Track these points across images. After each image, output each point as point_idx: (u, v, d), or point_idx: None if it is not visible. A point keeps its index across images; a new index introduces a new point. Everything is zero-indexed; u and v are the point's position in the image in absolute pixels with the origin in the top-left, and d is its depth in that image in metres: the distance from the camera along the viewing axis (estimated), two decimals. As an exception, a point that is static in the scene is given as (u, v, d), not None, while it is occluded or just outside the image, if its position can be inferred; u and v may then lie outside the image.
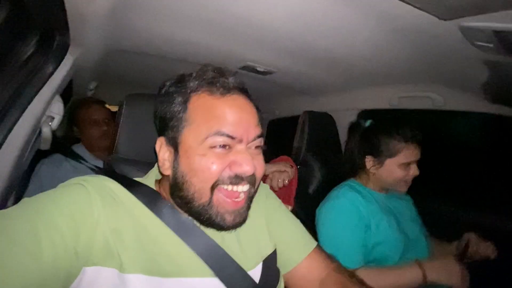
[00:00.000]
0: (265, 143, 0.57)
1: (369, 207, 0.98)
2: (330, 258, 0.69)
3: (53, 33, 0.75)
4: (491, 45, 0.66)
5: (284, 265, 0.65)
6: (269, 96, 2.01)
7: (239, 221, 0.52)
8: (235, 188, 0.50)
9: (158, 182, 0.61)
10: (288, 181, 1.06)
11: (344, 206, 0.98)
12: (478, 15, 0.52)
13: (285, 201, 1.18)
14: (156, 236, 0.51)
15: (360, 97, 1.55)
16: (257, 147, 0.54)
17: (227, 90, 0.52)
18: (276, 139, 2.31)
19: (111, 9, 0.75)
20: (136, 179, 0.59)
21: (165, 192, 0.58)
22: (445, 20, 0.56)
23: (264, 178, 1.08)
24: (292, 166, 1.12)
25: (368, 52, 1.00)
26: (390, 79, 1.30)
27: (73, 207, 0.46)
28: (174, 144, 0.52)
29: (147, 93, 0.84)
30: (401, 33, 0.81)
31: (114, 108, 1.73)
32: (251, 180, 0.52)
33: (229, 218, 0.51)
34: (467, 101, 1.20)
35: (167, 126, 0.54)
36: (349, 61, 1.13)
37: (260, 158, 0.54)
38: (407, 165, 0.97)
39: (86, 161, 1.29)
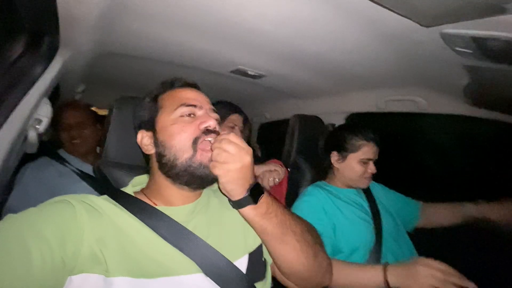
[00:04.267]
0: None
1: (336, 202, 1.08)
2: None
3: (43, 35, 0.74)
4: (470, 51, 0.70)
5: (268, 257, 0.69)
6: (259, 99, 2.03)
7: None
8: (208, 138, 0.61)
9: (142, 190, 0.67)
10: (279, 179, 1.07)
11: (307, 201, 1.08)
12: (457, 22, 0.55)
13: (276, 202, 1.20)
14: (139, 240, 0.54)
15: (348, 100, 1.59)
16: (216, 120, 0.65)
17: (184, 85, 0.69)
18: (267, 143, 2.33)
19: (103, 11, 0.74)
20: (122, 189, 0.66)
21: (148, 193, 0.64)
22: (427, 27, 0.60)
23: (255, 179, 1.09)
24: (281, 166, 1.14)
25: (355, 56, 1.04)
26: (377, 83, 1.34)
27: (59, 220, 0.49)
28: (152, 128, 0.65)
29: (136, 97, 0.84)
30: (387, 39, 0.84)
31: (103, 112, 1.70)
32: (218, 135, 0.61)
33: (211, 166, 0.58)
34: (449, 105, 1.26)
35: (143, 120, 0.67)
36: (338, 65, 1.17)
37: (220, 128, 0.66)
38: (365, 161, 1.09)
39: (72, 165, 1.27)
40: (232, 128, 1.37)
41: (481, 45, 0.64)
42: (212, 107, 0.67)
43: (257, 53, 1.13)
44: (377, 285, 0.80)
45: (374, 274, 0.82)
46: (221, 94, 1.73)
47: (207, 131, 0.61)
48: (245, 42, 1.03)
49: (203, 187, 0.65)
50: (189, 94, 0.66)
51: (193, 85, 0.71)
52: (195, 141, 0.59)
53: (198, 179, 0.60)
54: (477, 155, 1.57)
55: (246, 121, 1.49)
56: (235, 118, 1.38)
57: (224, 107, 1.40)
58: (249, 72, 1.34)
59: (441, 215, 1.18)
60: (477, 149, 1.56)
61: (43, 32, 0.74)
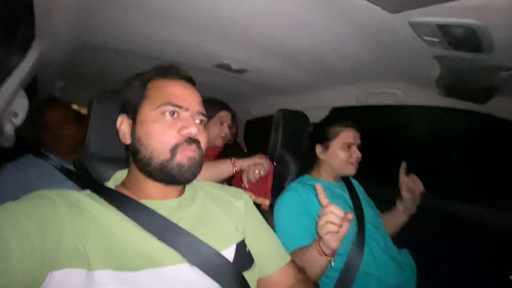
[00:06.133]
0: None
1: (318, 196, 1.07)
2: (299, 270, 0.76)
3: (17, 24, 0.72)
4: (437, 40, 0.74)
5: (258, 272, 0.69)
6: (245, 96, 2.05)
7: (194, 171, 0.60)
8: (190, 146, 0.60)
9: (123, 183, 0.66)
10: (264, 172, 1.08)
11: (289, 196, 1.10)
12: (421, 7, 0.59)
13: (262, 195, 1.21)
14: (121, 233, 0.54)
15: (331, 94, 1.64)
16: (201, 121, 0.65)
17: (177, 76, 0.65)
18: (254, 140, 2.34)
19: (81, 0, 0.74)
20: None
21: (129, 187, 0.63)
22: (394, 13, 0.63)
23: (240, 173, 1.10)
24: (267, 159, 1.15)
25: (334, 49, 1.07)
26: (357, 77, 1.39)
27: (39, 214, 0.48)
28: (133, 116, 0.62)
29: (118, 90, 0.83)
30: (361, 30, 0.88)
31: (84, 110, 1.66)
32: (199, 146, 0.61)
33: (187, 164, 0.59)
34: (425, 96, 1.32)
35: (128, 104, 0.64)
36: (318, 59, 1.20)
37: (203, 132, 0.65)
38: (348, 146, 1.14)
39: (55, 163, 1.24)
40: (221, 125, 1.40)
41: (446, 33, 0.68)
42: (200, 109, 0.64)
43: (240, 47, 1.15)
44: (322, 260, 0.81)
45: (313, 252, 0.83)
46: (206, 90, 1.73)
47: (190, 140, 0.59)
48: (228, 35, 1.04)
49: (178, 185, 0.63)
50: (179, 91, 0.62)
51: (188, 79, 0.67)
52: (174, 147, 0.58)
53: (172, 177, 0.59)
54: (452, 145, 1.65)
55: (234, 117, 1.52)
56: (224, 115, 1.42)
57: (212, 105, 1.42)
58: (233, 67, 1.36)
59: (387, 222, 1.23)
60: (452, 139, 1.64)
61: (18, 21, 0.72)
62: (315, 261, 0.82)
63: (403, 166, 1.17)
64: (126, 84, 0.67)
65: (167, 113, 0.59)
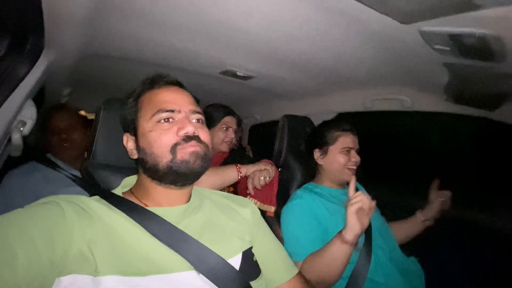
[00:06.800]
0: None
1: (325, 205, 1.08)
2: (307, 283, 0.76)
3: (27, 35, 0.73)
4: (447, 48, 0.73)
5: (265, 283, 0.69)
6: (249, 101, 2.05)
7: (201, 164, 0.61)
8: (189, 143, 0.61)
9: (131, 190, 0.67)
10: (269, 178, 1.08)
11: (297, 205, 1.08)
12: (433, 19, 0.58)
13: (267, 201, 1.20)
14: (129, 239, 0.54)
15: (336, 100, 1.63)
16: (198, 120, 0.66)
17: (164, 83, 0.67)
18: (258, 144, 2.34)
19: (90, 11, 0.74)
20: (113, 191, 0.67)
21: (137, 194, 0.65)
22: (405, 24, 0.63)
23: (245, 179, 1.09)
24: (272, 165, 1.15)
25: (342, 56, 1.07)
26: (364, 83, 1.38)
27: (47, 221, 0.48)
28: (134, 132, 0.65)
29: (125, 98, 0.83)
30: (370, 38, 0.87)
31: (92, 116, 1.67)
32: (199, 141, 0.62)
33: (192, 160, 0.59)
34: (432, 103, 1.31)
35: (127, 122, 0.67)
36: (326, 65, 1.20)
37: (203, 127, 0.66)
38: (347, 151, 1.13)
39: (62, 169, 1.25)
40: (226, 130, 1.40)
41: (457, 42, 0.68)
42: (194, 107, 0.66)
43: (246, 54, 1.15)
44: (345, 250, 0.84)
45: (336, 242, 0.85)
46: (212, 96, 1.74)
47: (187, 138, 0.60)
48: (234, 43, 1.04)
49: (190, 183, 0.64)
50: (168, 97, 0.64)
51: (175, 83, 0.69)
52: (173, 147, 0.59)
53: (183, 176, 0.60)
54: (460, 151, 1.63)
55: (239, 122, 1.52)
56: (229, 120, 1.42)
57: (217, 110, 1.42)
58: (238, 73, 1.36)
59: (402, 230, 1.21)
60: (459, 145, 1.62)
61: (28, 32, 0.73)
62: (338, 253, 0.85)
63: (436, 183, 1.15)
64: (123, 105, 0.70)
65: (162, 121, 0.61)
